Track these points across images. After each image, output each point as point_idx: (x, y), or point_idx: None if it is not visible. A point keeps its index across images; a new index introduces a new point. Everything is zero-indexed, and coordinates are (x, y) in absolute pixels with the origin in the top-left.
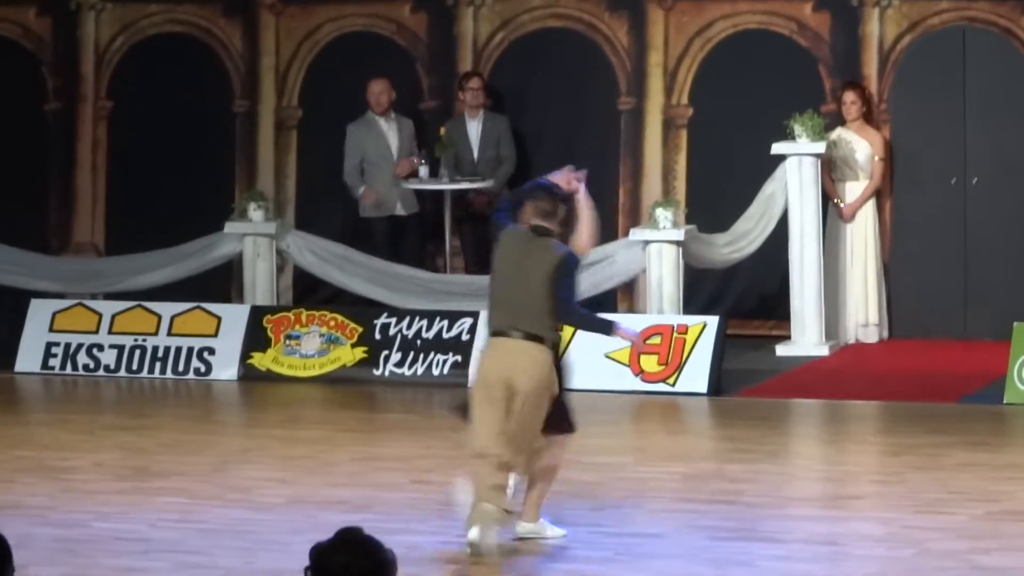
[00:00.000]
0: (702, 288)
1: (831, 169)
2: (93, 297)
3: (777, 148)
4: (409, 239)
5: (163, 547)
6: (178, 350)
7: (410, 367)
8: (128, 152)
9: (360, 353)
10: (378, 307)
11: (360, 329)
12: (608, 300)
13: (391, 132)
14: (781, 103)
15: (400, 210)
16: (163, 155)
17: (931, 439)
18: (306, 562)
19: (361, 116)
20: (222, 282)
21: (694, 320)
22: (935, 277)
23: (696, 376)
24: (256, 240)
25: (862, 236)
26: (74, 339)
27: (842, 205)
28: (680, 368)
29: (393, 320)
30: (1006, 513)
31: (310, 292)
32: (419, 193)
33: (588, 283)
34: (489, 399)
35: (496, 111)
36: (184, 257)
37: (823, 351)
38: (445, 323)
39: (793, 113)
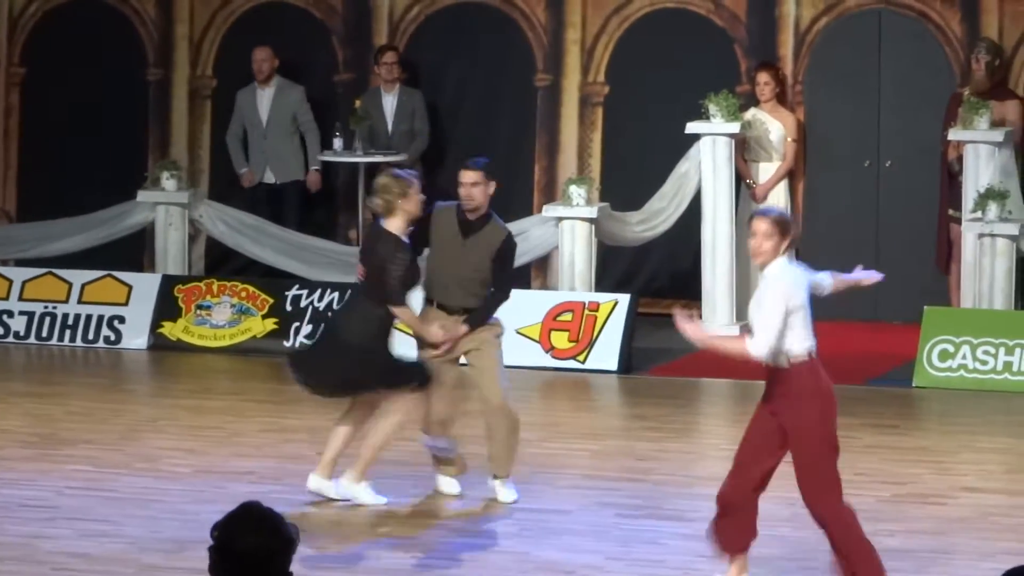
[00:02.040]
0: (614, 266)
1: (744, 149)
2: (4, 263)
3: (691, 127)
4: (287, 207)
5: (69, 515)
6: (88, 318)
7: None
8: (41, 119)
9: (271, 324)
10: (290, 279)
11: (271, 300)
12: (522, 276)
13: (264, 100)
14: (696, 82)
15: (270, 177)
16: (76, 122)
17: (839, 420)
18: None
19: (248, 84)
20: (134, 251)
21: (605, 298)
22: (846, 259)
23: (606, 354)
24: (168, 209)
25: None
26: None
27: (755, 185)
28: (591, 345)
29: (304, 292)
30: (912, 496)
31: (222, 262)
32: (332, 165)
33: None
34: None
35: (412, 85)
36: (96, 225)
37: (734, 331)
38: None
39: (708, 93)
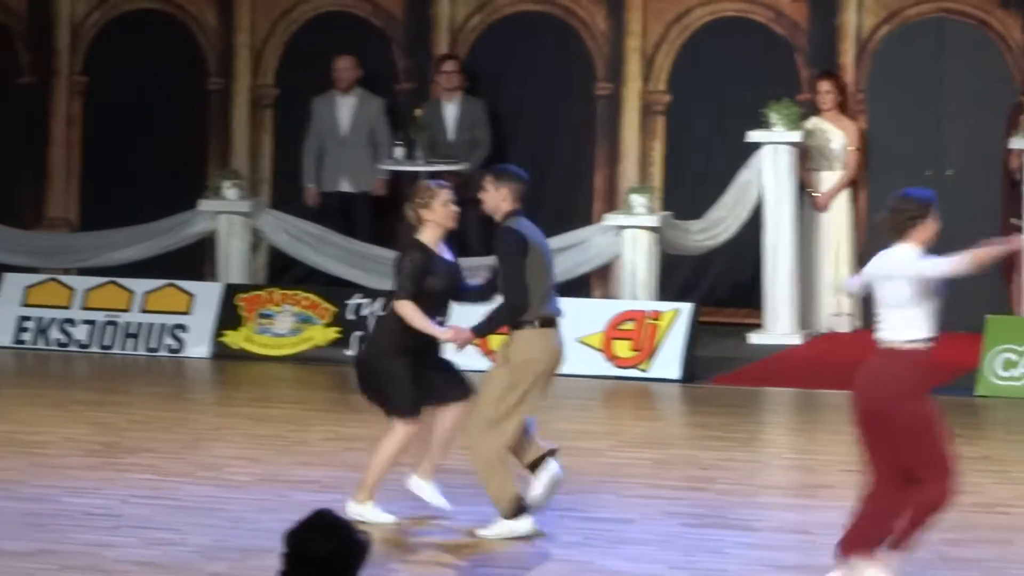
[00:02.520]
0: (676, 275)
1: (806, 158)
2: (66, 272)
3: (753, 136)
4: (358, 217)
5: (133, 523)
6: (151, 327)
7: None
8: (102, 128)
9: (332, 333)
10: (351, 287)
11: (333, 309)
12: (582, 285)
13: (345, 109)
14: (757, 91)
15: (346, 186)
16: (137, 131)
17: None
18: (275, 540)
19: (327, 92)
20: (195, 260)
21: (667, 306)
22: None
23: (668, 362)
24: (230, 218)
25: (836, 226)
26: (47, 314)
27: (816, 195)
28: (653, 354)
29: (366, 301)
30: (976, 505)
31: (284, 271)
32: (393, 174)
33: (563, 268)
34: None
35: (473, 94)
36: (158, 234)
37: (796, 340)
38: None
39: (769, 101)
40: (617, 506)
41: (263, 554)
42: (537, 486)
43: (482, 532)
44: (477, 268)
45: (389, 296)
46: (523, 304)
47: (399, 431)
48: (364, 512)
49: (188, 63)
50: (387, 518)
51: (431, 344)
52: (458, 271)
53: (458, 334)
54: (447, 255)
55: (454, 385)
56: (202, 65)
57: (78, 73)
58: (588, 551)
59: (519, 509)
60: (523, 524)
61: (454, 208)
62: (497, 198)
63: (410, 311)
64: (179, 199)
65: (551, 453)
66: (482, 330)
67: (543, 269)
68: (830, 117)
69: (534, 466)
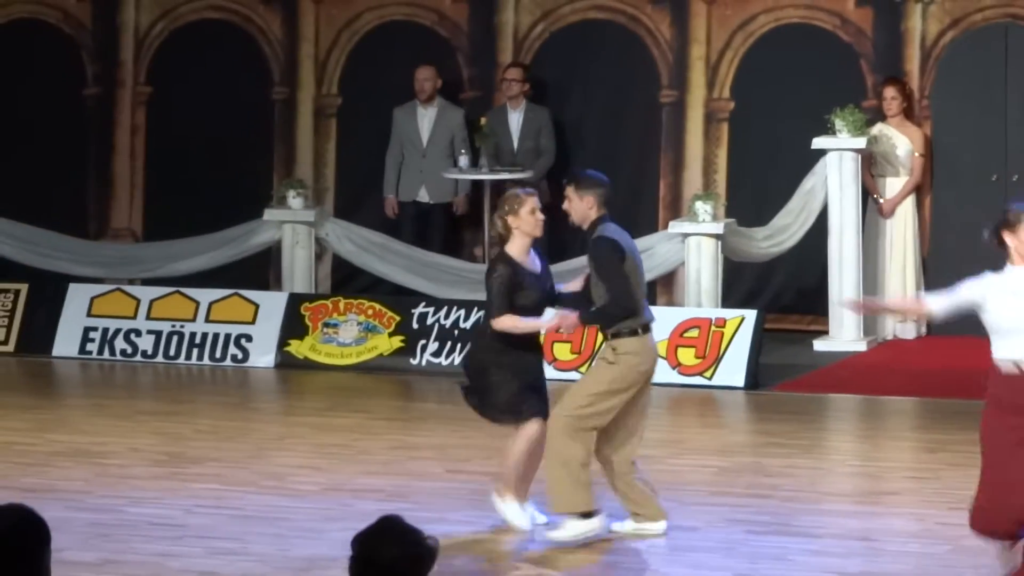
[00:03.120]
0: (740, 282)
1: (871, 165)
2: (131, 283)
3: (818, 143)
4: (433, 227)
5: (197, 533)
6: (215, 336)
7: (447, 356)
8: (166, 138)
9: (397, 342)
10: (416, 296)
11: (398, 318)
12: (648, 292)
13: (425, 120)
14: (822, 98)
15: (424, 197)
16: (201, 141)
17: (967, 436)
18: (340, 550)
19: (408, 102)
20: (259, 269)
21: (732, 314)
22: (974, 274)
23: (733, 370)
24: (295, 228)
25: (901, 232)
26: (112, 324)
27: (882, 201)
28: (717, 361)
29: (431, 309)
30: None
31: (348, 280)
32: (459, 182)
33: None
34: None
35: (537, 102)
36: (223, 244)
37: (861, 347)
38: (482, 313)
39: (834, 108)
40: (681, 514)
41: (328, 563)
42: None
43: (553, 534)
44: (567, 272)
45: (485, 314)
46: (631, 306)
47: (526, 433)
48: (504, 508)
49: (252, 73)
50: (523, 521)
51: (533, 358)
52: (548, 279)
53: (565, 319)
54: (537, 264)
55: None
56: (266, 75)
57: (142, 83)
58: (652, 559)
59: (586, 512)
60: (592, 523)
61: (540, 216)
62: (583, 207)
63: (509, 322)
64: (243, 209)
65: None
66: (589, 318)
67: (638, 274)
68: (895, 123)
69: (637, 515)
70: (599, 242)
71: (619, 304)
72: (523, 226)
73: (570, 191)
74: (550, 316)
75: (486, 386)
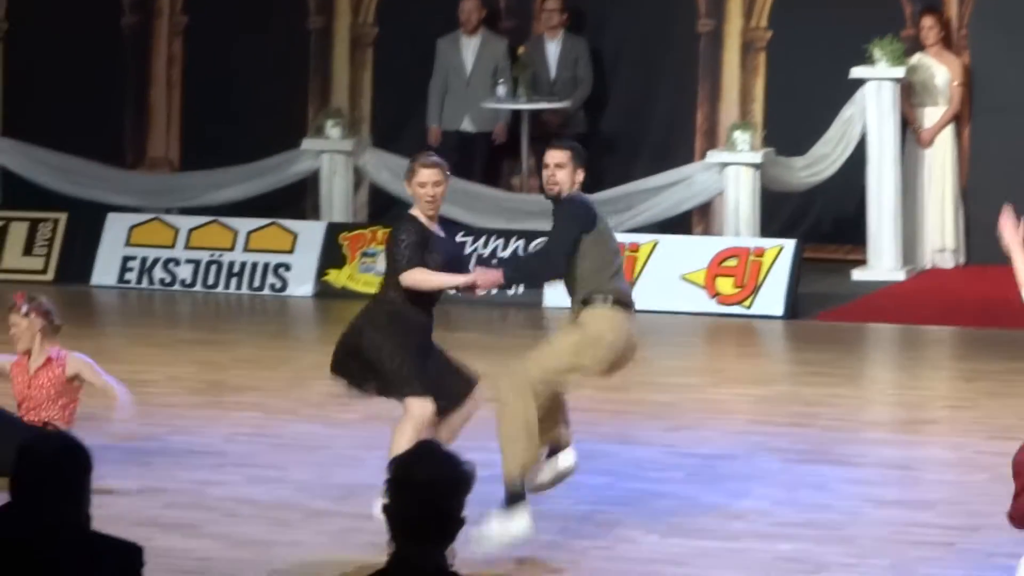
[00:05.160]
0: (779, 211)
1: (910, 94)
2: (169, 212)
3: (856, 72)
4: (475, 156)
5: (237, 461)
6: (254, 266)
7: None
8: (203, 68)
9: None
10: (454, 225)
11: None
12: (685, 222)
13: (469, 50)
14: (860, 27)
15: (468, 126)
16: (238, 71)
17: (1006, 365)
18: (379, 477)
19: (451, 32)
20: (297, 199)
21: (770, 243)
22: (1014, 203)
23: (772, 299)
24: (333, 157)
25: (940, 162)
26: (151, 253)
27: (920, 130)
28: (756, 291)
29: (469, 239)
30: None
31: (386, 210)
32: (499, 112)
33: (665, 205)
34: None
35: (575, 32)
36: (261, 173)
37: (899, 276)
38: (521, 243)
39: (872, 37)
40: (720, 443)
41: (367, 490)
42: (546, 472)
43: (478, 531)
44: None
45: (384, 279)
46: (559, 266)
47: (411, 414)
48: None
49: (289, 2)
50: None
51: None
52: (455, 246)
53: (485, 274)
54: (440, 230)
55: (460, 382)
56: (303, 4)
57: (180, 13)
58: (691, 487)
59: (520, 492)
60: (519, 523)
61: (429, 192)
62: (575, 179)
63: (419, 275)
64: (279, 139)
65: (567, 447)
66: (512, 275)
67: (611, 248)
68: (934, 52)
69: (552, 451)
70: (575, 198)
71: (548, 259)
72: (413, 195)
73: (565, 157)
74: (466, 275)
75: (369, 358)
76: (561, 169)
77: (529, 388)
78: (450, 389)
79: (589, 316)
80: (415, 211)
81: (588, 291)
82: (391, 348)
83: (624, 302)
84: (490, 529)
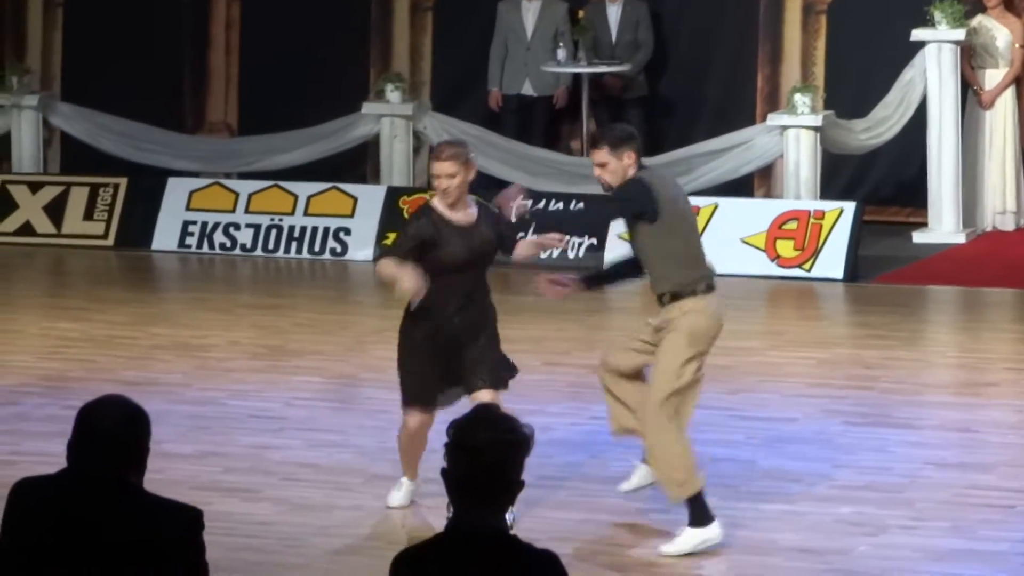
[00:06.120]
0: (839, 174)
1: (970, 56)
2: (228, 176)
3: (917, 35)
4: (536, 120)
5: (297, 425)
6: (314, 230)
7: (544, 250)
8: (261, 32)
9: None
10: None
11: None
12: (746, 184)
13: (530, 13)
14: None
15: (528, 90)
16: (297, 35)
17: None
18: (438, 441)
19: None
20: (357, 163)
21: (831, 206)
22: None
23: (832, 262)
24: (393, 121)
25: (1001, 124)
26: (211, 218)
27: (981, 92)
28: (816, 254)
29: (529, 203)
30: None
31: None
32: (559, 76)
33: (726, 168)
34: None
35: None
36: (321, 137)
37: (960, 238)
38: (581, 205)
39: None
40: (780, 405)
41: (426, 454)
42: (635, 479)
43: (665, 548)
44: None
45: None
46: (583, 224)
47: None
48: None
49: None
50: (397, 500)
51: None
52: (481, 235)
53: (544, 239)
54: (473, 216)
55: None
56: None
57: None
58: (751, 450)
59: (696, 510)
60: (712, 531)
61: (443, 185)
62: (623, 167)
63: (381, 266)
64: (339, 103)
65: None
66: (592, 281)
67: (684, 235)
68: (995, 14)
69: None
70: (628, 183)
71: (572, 213)
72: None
73: (603, 154)
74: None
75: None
76: (603, 168)
77: (663, 418)
78: (469, 381)
79: (679, 312)
80: (436, 200)
81: (675, 286)
82: (399, 357)
83: (711, 286)
84: (683, 543)
